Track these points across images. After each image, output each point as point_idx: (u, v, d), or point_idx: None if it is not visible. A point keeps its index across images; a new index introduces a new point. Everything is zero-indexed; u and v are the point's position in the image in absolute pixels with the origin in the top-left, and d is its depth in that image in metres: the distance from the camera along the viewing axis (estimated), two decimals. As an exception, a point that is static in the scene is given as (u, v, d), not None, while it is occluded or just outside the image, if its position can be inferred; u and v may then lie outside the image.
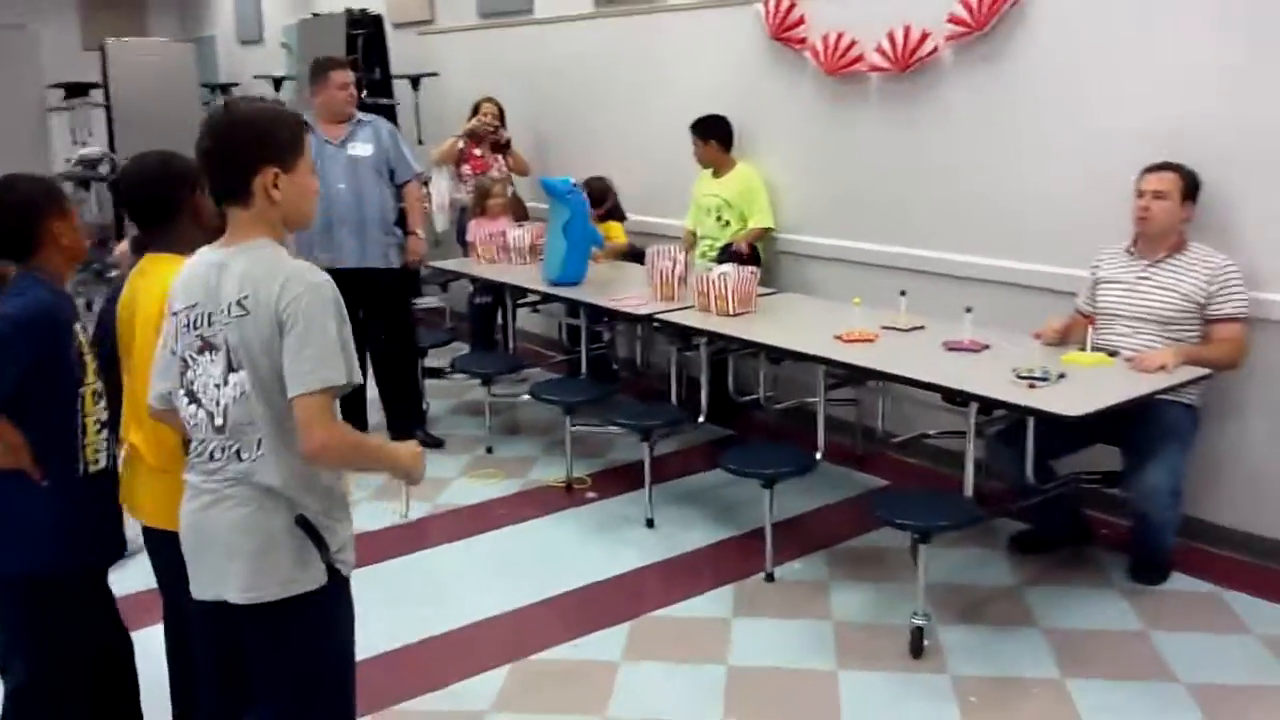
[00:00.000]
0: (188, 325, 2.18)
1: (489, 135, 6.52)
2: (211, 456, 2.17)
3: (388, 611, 3.67)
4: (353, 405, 4.64)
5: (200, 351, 2.16)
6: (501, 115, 6.59)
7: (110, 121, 9.88)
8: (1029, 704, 3.19)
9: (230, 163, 2.15)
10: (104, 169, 9.63)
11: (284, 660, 2.22)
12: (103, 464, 2.57)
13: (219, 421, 2.15)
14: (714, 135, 5.58)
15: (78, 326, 2.52)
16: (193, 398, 2.18)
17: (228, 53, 11.54)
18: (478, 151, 6.55)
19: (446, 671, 3.41)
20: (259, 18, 10.69)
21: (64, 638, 2.55)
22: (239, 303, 2.10)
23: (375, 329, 5.25)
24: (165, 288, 2.44)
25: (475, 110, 6.55)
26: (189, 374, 2.18)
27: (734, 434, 5.36)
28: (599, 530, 4.46)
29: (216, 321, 2.14)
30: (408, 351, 5.49)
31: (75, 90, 9.62)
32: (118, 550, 2.70)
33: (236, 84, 11.19)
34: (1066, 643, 3.49)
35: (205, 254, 2.22)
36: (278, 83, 8.90)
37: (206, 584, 2.21)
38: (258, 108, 2.26)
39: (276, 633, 2.19)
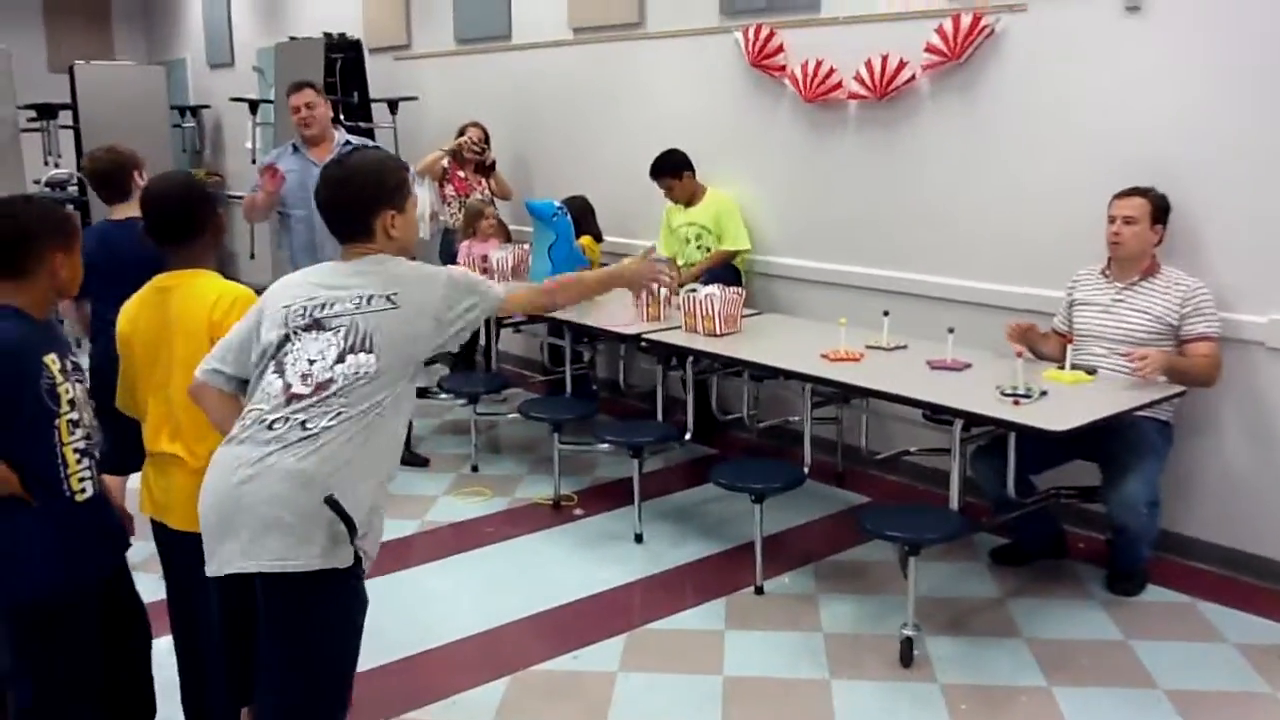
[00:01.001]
0: (303, 311, 2.36)
1: (475, 157, 6.58)
2: (270, 426, 2.27)
3: (382, 625, 3.65)
4: None
5: (307, 329, 2.34)
6: (487, 138, 6.66)
7: (79, 143, 9.86)
8: (1017, 711, 3.29)
9: (352, 209, 2.45)
10: (73, 189, 9.61)
11: (302, 633, 2.30)
12: (89, 492, 2.52)
13: (299, 390, 2.29)
14: (686, 167, 5.64)
15: (51, 356, 2.44)
16: (279, 368, 2.33)
17: (198, 75, 11.52)
18: (461, 173, 6.62)
19: (446, 683, 3.45)
20: (230, 41, 10.70)
21: (64, 660, 2.53)
22: (388, 297, 2.36)
23: None
24: (209, 299, 2.58)
25: (461, 133, 6.61)
26: (286, 347, 2.34)
27: (717, 452, 5.44)
28: (589, 546, 4.52)
29: (341, 308, 2.35)
30: None
31: (45, 111, 9.58)
32: (114, 562, 2.68)
33: (207, 106, 11.21)
34: (1050, 652, 3.60)
35: (331, 265, 2.51)
36: (254, 106, 8.91)
37: (232, 556, 2.26)
38: (369, 157, 2.57)
39: (301, 604, 2.28)
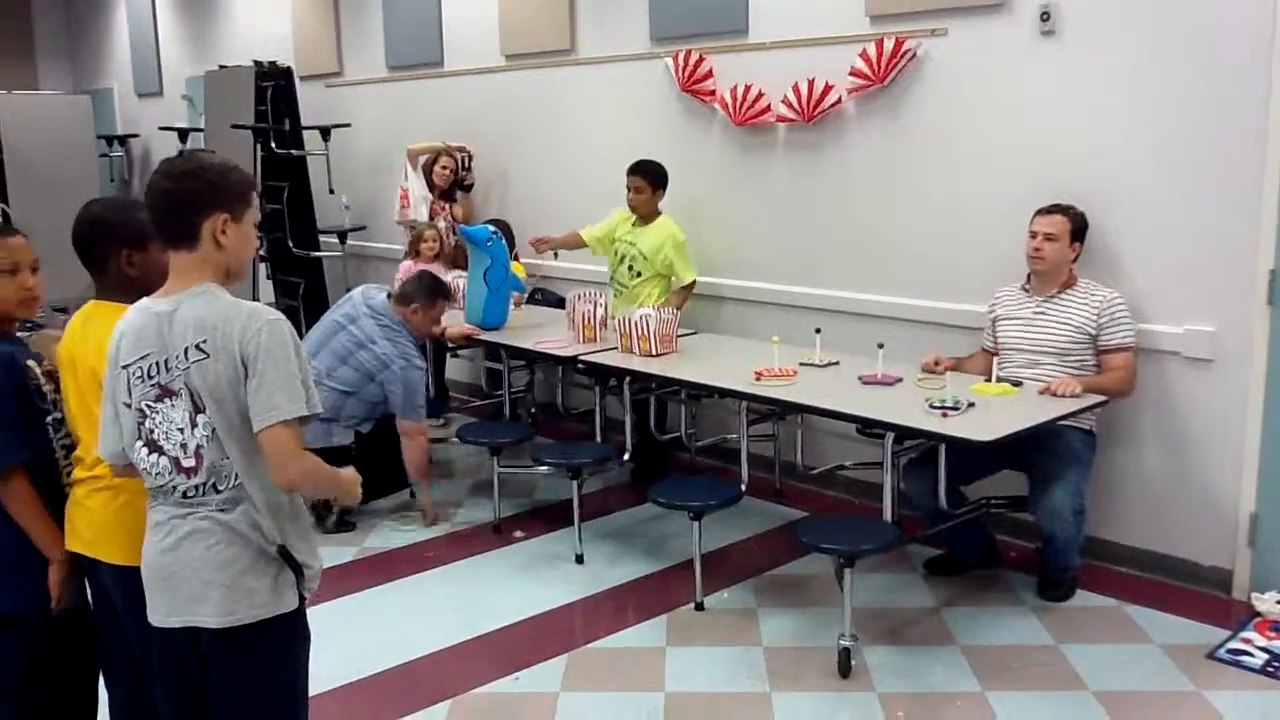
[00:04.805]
0: (142, 376, 2.21)
1: (446, 181, 6.74)
2: (185, 495, 2.22)
3: (323, 653, 3.63)
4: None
5: (159, 399, 2.21)
6: (470, 160, 6.89)
7: (2, 174, 9.72)
8: (953, 716, 3.35)
9: (183, 206, 2.22)
10: (-3, 221, 9.44)
11: (252, 683, 2.29)
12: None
13: (188, 464, 2.20)
14: (664, 185, 5.45)
15: (30, 362, 2.59)
16: (153, 447, 2.22)
17: (125, 105, 11.39)
18: (431, 195, 6.68)
19: (388, 709, 3.44)
20: (158, 70, 10.60)
21: (51, 672, 2.64)
22: (198, 346, 2.16)
23: None
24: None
25: (434, 162, 6.70)
26: (147, 423, 2.22)
27: (656, 471, 5.46)
28: (529, 568, 4.53)
29: (174, 367, 2.18)
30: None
31: (-32, 142, 9.43)
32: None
33: (135, 135, 11.08)
34: (984, 658, 3.68)
35: (147, 304, 2.27)
36: (183, 134, 8.83)
37: (174, 611, 2.25)
38: (213, 159, 2.33)
39: (248, 656, 2.26)
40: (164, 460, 2.21)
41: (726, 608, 4.12)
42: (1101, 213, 4.18)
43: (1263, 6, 3.77)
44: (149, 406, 2.21)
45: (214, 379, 2.15)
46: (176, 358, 2.17)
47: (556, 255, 6.19)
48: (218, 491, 2.21)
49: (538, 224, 6.31)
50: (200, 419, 2.18)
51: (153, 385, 2.20)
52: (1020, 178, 4.41)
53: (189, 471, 2.20)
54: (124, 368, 2.23)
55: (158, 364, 2.19)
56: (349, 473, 2.42)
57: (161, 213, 2.24)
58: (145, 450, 2.22)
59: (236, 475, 2.20)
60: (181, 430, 2.19)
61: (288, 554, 2.24)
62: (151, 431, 2.21)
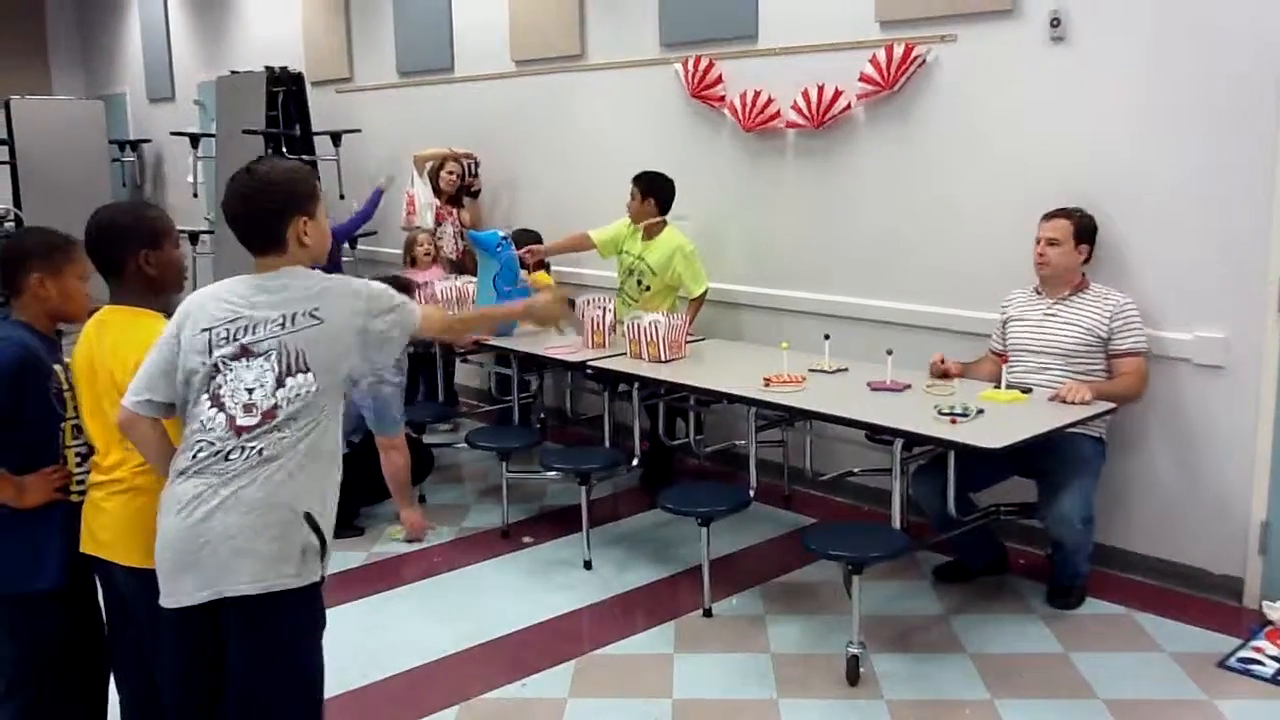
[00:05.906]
0: (226, 337, 2.31)
1: (452, 187, 6.75)
2: (227, 457, 2.26)
3: (330, 658, 3.64)
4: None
5: (236, 358, 2.29)
6: (475, 166, 6.89)
7: (15, 178, 9.78)
8: (962, 724, 3.35)
9: (265, 221, 2.37)
10: (9, 225, 9.50)
11: (280, 654, 2.33)
12: (85, 496, 2.67)
13: (246, 421, 2.27)
14: (654, 194, 5.36)
15: (58, 367, 2.65)
16: (216, 401, 2.29)
17: (138, 109, 11.44)
18: (437, 201, 6.68)
19: (396, 714, 3.44)
20: (170, 75, 10.65)
21: (59, 670, 2.68)
22: (311, 313, 2.31)
23: None
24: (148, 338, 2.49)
25: (440, 168, 6.72)
26: (219, 378, 2.30)
27: (665, 477, 5.46)
28: (538, 574, 4.53)
29: (264, 330, 2.30)
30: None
31: (-18, 147, 9.48)
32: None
33: (148, 140, 11.13)
34: (993, 666, 3.66)
35: (244, 279, 2.39)
36: (195, 139, 8.86)
37: (203, 584, 2.26)
38: (277, 166, 2.45)
39: (277, 625, 2.30)
40: (221, 417, 2.28)
41: (735, 614, 4.11)
42: (1111, 218, 4.17)
43: (1273, 13, 3.75)
44: (224, 363, 2.30)
45: (322, 343, 2.32)
46: (274, 322, 2.31)
47: (549, 267, 6.21)
48: (261, 455, 2.27)
49: (547, 230, 6.32)
50: (290, 381, 2.28)
51: (236, 345, 2.30)
52: (1029, 183, 4.40)
53: (241, 430, 2.27)
54: (205, 330, 2.33)
55: (246, 326, 2.32)
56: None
57: (244, 229, 2.39)
58: (209, 404, 2.30)
59: (291, 441, 2.28)
60: (250, 390, 2.28)
61: (313, 521, 2.30)
62: (220, 388, 2.30)
